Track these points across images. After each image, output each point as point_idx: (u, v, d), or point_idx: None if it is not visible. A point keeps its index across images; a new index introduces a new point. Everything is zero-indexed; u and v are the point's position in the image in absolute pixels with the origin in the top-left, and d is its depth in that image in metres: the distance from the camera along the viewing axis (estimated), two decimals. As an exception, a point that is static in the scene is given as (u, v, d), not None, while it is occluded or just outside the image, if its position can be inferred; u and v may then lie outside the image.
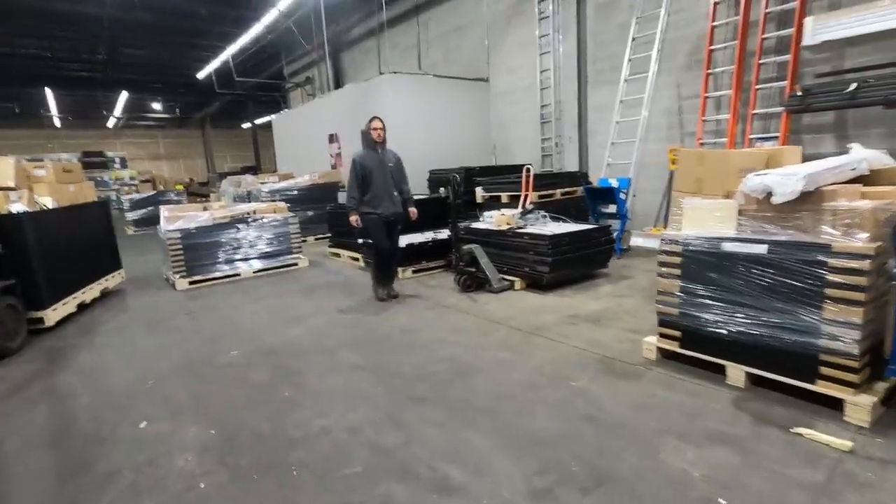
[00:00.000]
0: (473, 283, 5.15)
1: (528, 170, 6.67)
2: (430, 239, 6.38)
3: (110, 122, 26.77)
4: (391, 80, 9.27)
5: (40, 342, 4.32)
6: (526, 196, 6.78)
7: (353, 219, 4.86)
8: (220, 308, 5.15)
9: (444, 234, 6.79)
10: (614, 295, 4.79)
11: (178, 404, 2.99)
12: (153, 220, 13.46)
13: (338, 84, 14.66)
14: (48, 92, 20.68)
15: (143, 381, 3.36)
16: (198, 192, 17.15)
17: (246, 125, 28.45)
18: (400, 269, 5.96)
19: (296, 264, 7.06)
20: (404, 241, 6.19)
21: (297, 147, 13.57)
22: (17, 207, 4.60)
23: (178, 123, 28.87)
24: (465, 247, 5.19)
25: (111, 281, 6.17)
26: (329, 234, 8.28)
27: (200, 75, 18.20)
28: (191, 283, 6.24)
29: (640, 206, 7.40)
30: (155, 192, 14.24)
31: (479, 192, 8.05)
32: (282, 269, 6.88)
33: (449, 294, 5.16)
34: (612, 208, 6.79)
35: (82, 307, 5.32)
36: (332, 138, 11.19)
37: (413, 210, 5.20)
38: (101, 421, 2.83)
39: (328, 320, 4.49)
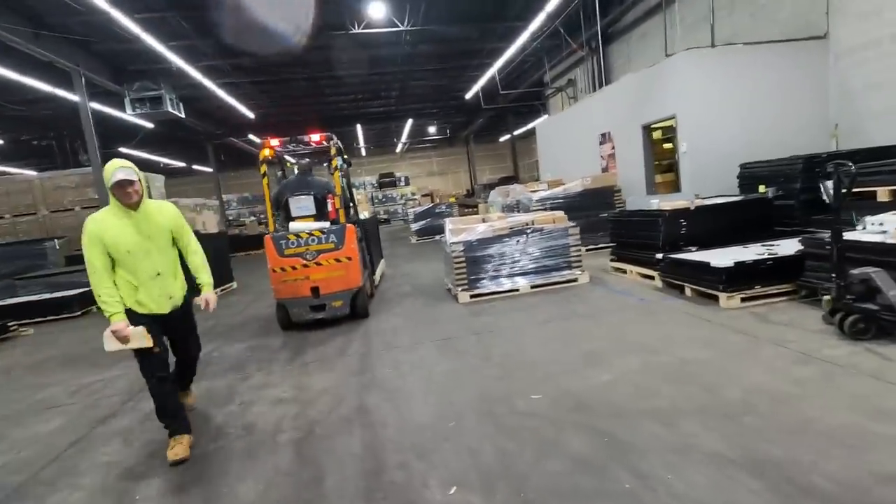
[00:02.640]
0: (871, 326, 3.35)
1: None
2: (765, 255, 4.68)
3: (398, 148, 31.84)
4: (686, 58, 7.64)
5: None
6: (934, 190, 4.41)
7: None
8: (504, 330, 4.70)
9: (780, 247, 4.97)
10: None
11: (486, 466, 2.42)
12: (432, 231, 14.88)
13: (603, 81, 13.52)
14: (358, 128, 25.70)
15: (444, 419, 2.98)
16: (465, 203, 18.41)
17: (503, 138, 29.89)
18: (724, 296, 4.48)
19: (575, 280, 6.26)
20: (725, 257, 4.67)
21: (561, 152, 13.00)
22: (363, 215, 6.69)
23: (447, 143, 32.33)
24: (858, 271, 3.42)
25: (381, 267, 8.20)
26: (610, 245, 7.24)
27: (468, 95, 19.63)
28: (472, 296, 6.10)
29: None
30: (432, 204, 15.76)
31: (830, 188, 5.82)
32: (560, 286, 6.19)
33: (820, 340, 3.48)
34: None
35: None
36: (605, 138, 10.13)
37: None
38: (410, 471, 2.47)
39: (642, 363, 3.46)
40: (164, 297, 3.00)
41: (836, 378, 2.90)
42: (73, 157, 18.48)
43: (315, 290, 5.35)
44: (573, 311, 5.04)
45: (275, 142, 5.65)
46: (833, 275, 3.50)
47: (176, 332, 3.19)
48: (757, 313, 4.25)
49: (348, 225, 5.47)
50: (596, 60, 13.80)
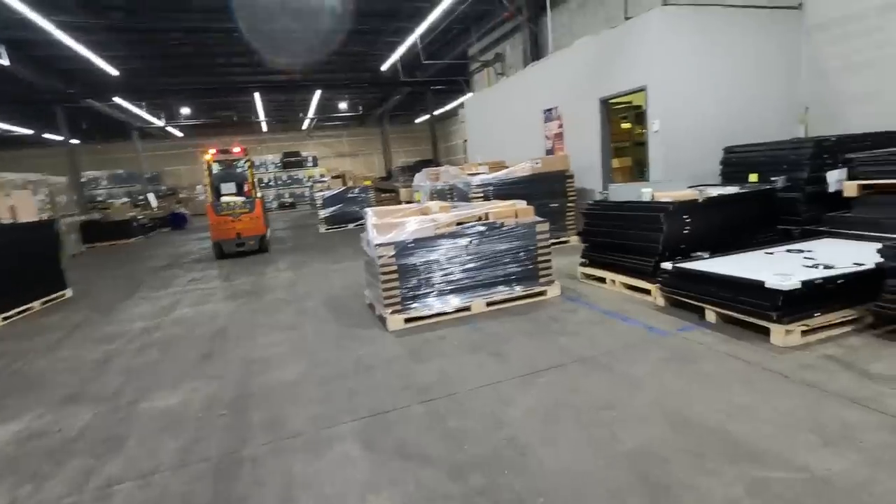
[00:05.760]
0: None
1: None
2: (819, 267, 3.40)
3: (304, 125, 28.62)
4: (661, 16, 6.30)
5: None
6: None
7: None
8: (470, 392, 2.96)
9: (816, 253, 3.77)
10: None
11: None
12: (344, 219, 12.75)
13: (536, 56, 12.17)
14: (257, 98, 22.29)
15: None
16: (383, 188, 16.34)
17: (420, 119, 27.99)
18: (781, 329, 3.12)
19: (543, 293, 4.71)
20: (749, 266, 3.32)
21: (494, 132, 11.47)
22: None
23: (360, 122, 29.72)
24: None
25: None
26: (562, 241, 5.78)
27: (385, 66, 17.43)
28: (407, 320, 4.30)
29: None
30: (344, 187, 13.54)
31: (837, 178, 4.86)
32: (525, 301, 4.60)
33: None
34: None
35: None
36: (550, 115, 8.70)
37: None
38: None
39: (751, 487, 1.90)
40: None
41: None
42: None
43: (238, 234, 9.07)
44: (564, 351, 3.42)
45: (213, 150, 9.60)
46: None
47: None
48: (834, 357, 2.93)
49: (258, 198, 9.43)
50: (530, 31, 12.41)
